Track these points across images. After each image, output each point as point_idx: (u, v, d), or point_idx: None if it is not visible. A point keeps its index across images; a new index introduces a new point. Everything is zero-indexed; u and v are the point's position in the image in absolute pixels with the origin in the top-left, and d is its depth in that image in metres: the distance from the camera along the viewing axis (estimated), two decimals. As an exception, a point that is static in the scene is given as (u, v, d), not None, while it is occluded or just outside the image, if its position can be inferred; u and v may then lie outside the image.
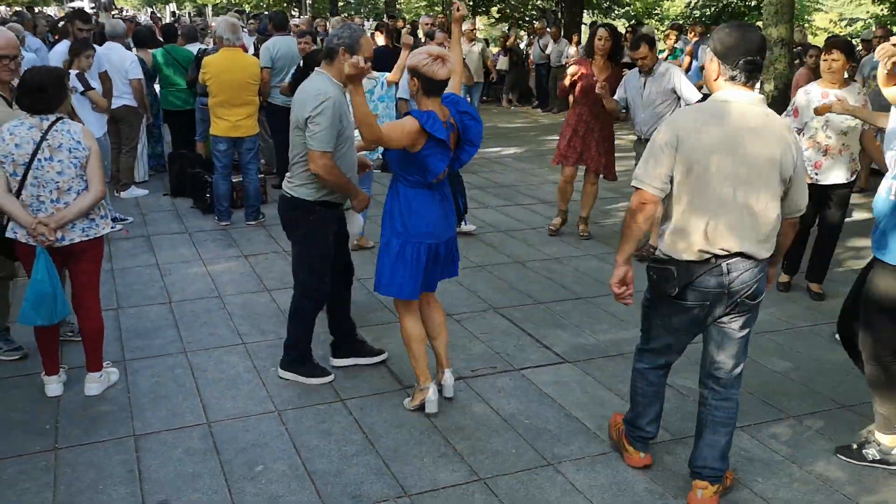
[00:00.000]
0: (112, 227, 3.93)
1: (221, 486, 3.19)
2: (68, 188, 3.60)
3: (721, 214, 2.80)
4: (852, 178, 5.25)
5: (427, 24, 12.00)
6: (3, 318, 4.24)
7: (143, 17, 32.98)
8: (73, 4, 30.37)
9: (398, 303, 3.72)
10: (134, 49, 8.55)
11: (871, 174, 8.59)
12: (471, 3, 23.67)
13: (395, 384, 4.06)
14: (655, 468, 3.34)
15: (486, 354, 4.43)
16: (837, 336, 3.85)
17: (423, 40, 10.45)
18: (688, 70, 11.08)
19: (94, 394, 3.86)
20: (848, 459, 3.45)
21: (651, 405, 3.28)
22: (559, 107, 14.55)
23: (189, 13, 42.75)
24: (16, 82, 3.87)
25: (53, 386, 3.85)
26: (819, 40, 17.42)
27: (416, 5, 30.33)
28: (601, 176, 6.63)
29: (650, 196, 2.86)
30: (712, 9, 21.26)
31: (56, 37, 9.31)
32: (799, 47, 10.49)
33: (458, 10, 3.97)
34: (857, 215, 7.41)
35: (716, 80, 2.86)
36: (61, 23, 10.48)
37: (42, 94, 3.56)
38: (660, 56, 7.41)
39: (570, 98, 6.56)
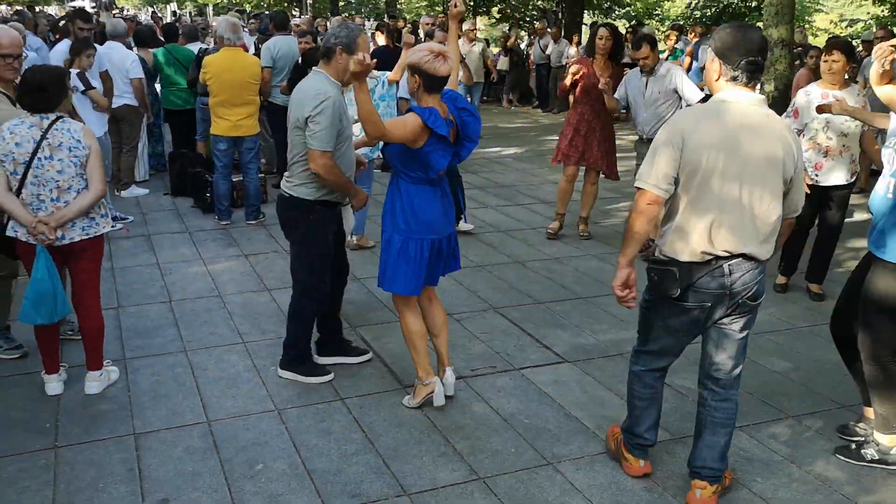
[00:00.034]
0: (112, 226, 3.93)
1: (221, 484, 3.20)
2: (68, 187, 3.60)
3: (723, 215, 2.79)
4: (852, 180, 5.26)
5: (427, 24, 12.00)
6: (4, 317, 4.25)
7: (144, 17, 33.02)
8: (74, 4, 30.38)
9: (398, 300, 3.73)
10: (135, 48, 8.56)
11: (870, 175, 8.59)
12: (471, 4, 23.70)
13: (395, 383, 4.06)
14: (654, 467, 3.33)
15: (485, 354, 4.43)
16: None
17: (423, 40, 10.45)
18: (688, 70, 11.10)
19: (94, 392, 3.87)
20: (847, 459, 3.45)
21: (648, 409, 3.22)
22: (559, 107, 14.55)
23: (190, 13, 42.72)
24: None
25: (53, 384, 3.86)
26: (819, 41, 17.43)
27: (417, 5, 30.35)
28: (603, 175, 6.63)
29: (654, 197, 2.83)
30: (713, 9, 21.27)
31: (57, 36, 9.33)
32: (799, 48, 10.49)
33: (455, 6, 3.99)
34: (857, 216, 7.41)
35: (717, 80, 2.85)
36: (62, 22, 10.50)
37: (43, 93, 3.57)
38: (661, 56, 7.41)
39: (571, 98, 6.55)
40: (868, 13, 21.56)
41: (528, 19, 24.06)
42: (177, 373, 4.13)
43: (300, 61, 6.94)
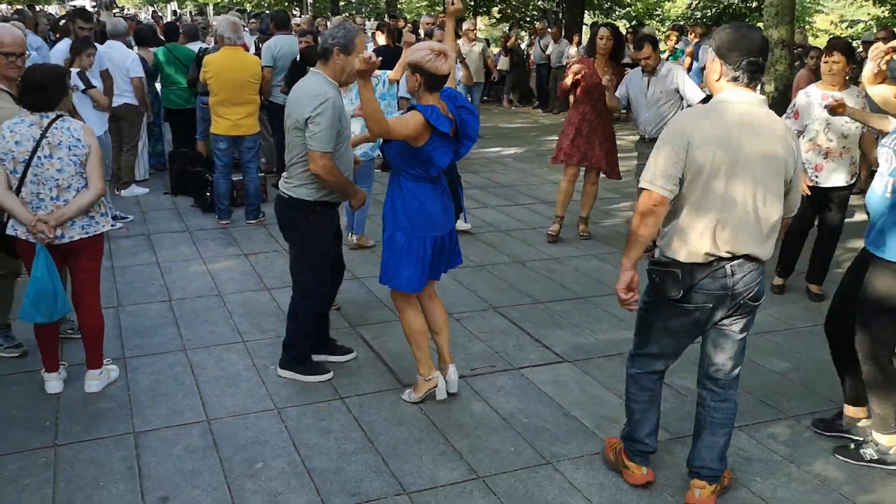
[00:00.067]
0: (112, 225, 3.94)
1: (221, 482, 3.20)
2: (68, 186, 3.61)
3: (727, 216, 2.78)
4: (853, 181, 5.26)
5: (428, 24, 12.00)
6: (4, 316, 4.25)
7: (145, 16, 33.00)
8: (74, 3, 30.34)
9: (398, 297, 3.73)
10: (135, 47, 8.56)
11: (870, 176, 8.57)
12: (472, 4, 23.71)
13: (395, 382, 4.06)
14: (654, 467, 3.33)
15: (485, 353, 4.43)
16: None
17: (423, 39, 10.44)
18: (688, 71, 11.10)
19: (94, 391, 3.87)
20: (846, 459, 3.45)
21: (647, 413, 3.17)
22: (560, 107, 14.56)
23: (190, 12, 42.69)
24: (18, 79, 3.88)
25: (53, 383, 3.86)
26: (820, 42, 17.42)
27: (417, 5, 30.35)
28: (604, 175, 6.62)
29: (660, 198, 2.80)
30: (713, 10, 21.27)
31: (57, 35, 9.33)
32: (799, 49, 10.49)
33: (452, 3, 4.00)
34: (857, 217, 7.41)
35: (718, 80, 2.85)
36: (62, 21, 10.50)
37: (43, 92, 3.57)
38: (662, 57, 7.41)
39: (571, 98, 6.55)
40: (868, 14, 21.57)
41: (528, 19, 24.07)
42: (176, 371, 4.13)
43: (298, 59, 6.94)
